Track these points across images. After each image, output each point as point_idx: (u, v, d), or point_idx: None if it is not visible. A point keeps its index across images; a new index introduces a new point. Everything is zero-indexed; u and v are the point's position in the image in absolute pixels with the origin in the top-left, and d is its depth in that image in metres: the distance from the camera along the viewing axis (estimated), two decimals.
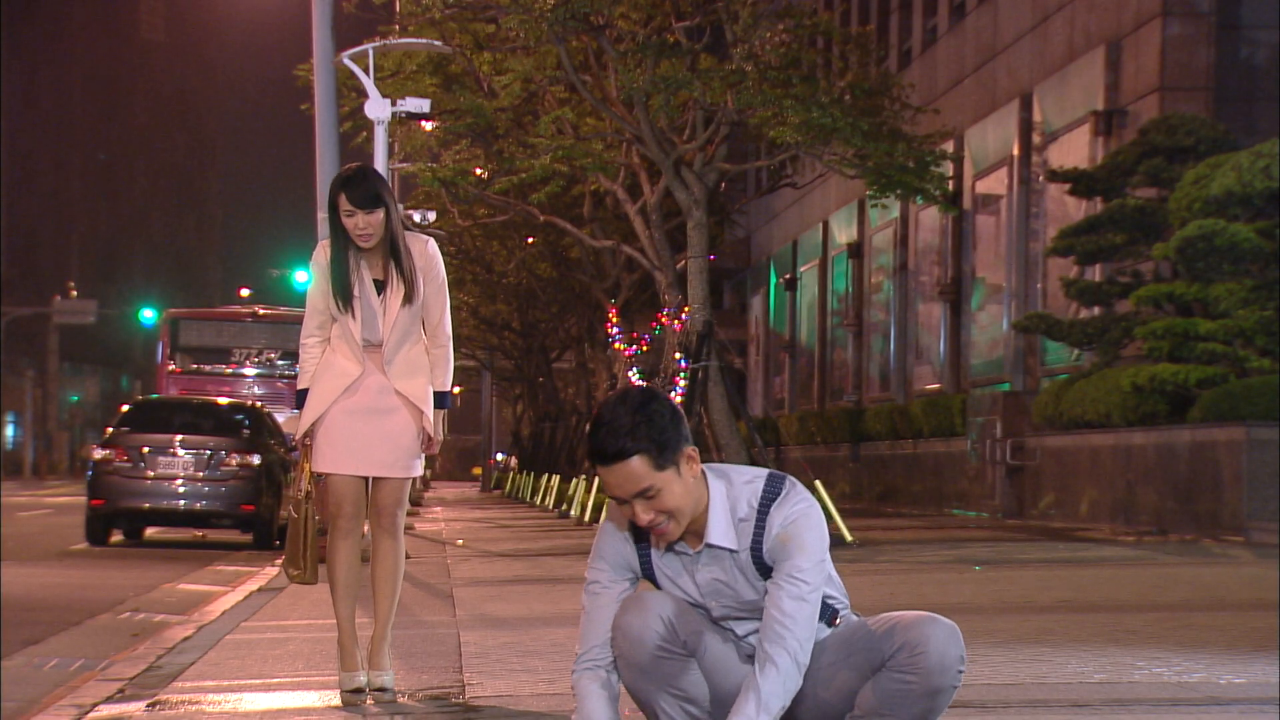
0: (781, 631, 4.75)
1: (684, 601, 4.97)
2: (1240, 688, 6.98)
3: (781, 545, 4.81)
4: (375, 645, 7.09)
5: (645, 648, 4.91)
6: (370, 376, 7.09)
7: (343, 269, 7.02)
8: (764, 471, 4.92)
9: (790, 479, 4.91)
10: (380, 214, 6.93)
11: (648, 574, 4.97)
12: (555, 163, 22.38)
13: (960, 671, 4.82)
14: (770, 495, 4.85)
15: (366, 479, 7.18)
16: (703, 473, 4.83)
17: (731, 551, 4.86)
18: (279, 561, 16.27)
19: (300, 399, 7.15)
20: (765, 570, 4.87)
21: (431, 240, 7.20)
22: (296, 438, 7.19)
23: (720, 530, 4.83)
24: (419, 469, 7.23)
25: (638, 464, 4.70)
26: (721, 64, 22.21)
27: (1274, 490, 19.03)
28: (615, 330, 26.56)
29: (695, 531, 4.86)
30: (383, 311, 7.03)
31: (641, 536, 4.94)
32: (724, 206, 33.80)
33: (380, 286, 7.05)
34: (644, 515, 4.75)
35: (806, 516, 4.83)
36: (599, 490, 25.84)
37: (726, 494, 4.85)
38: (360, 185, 6.94)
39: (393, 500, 7.17)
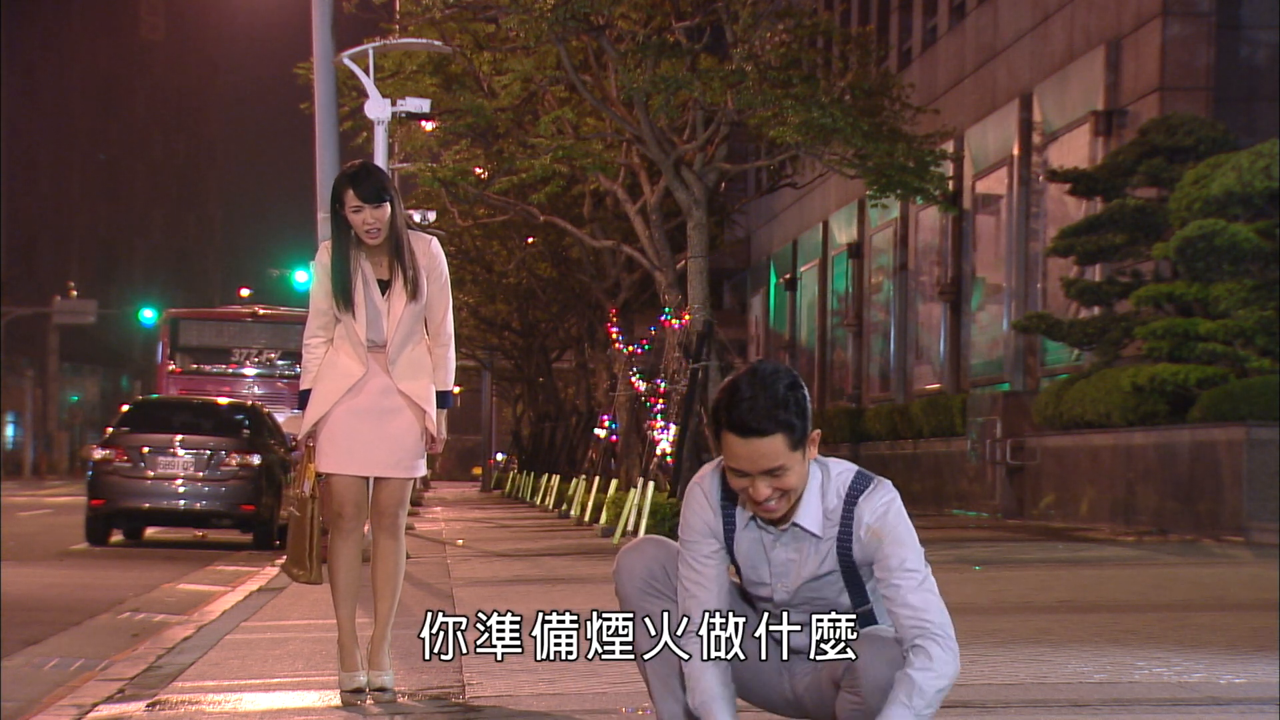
0: (923, 624, 4.78)
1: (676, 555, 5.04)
2: (1240, 688, 6.98)
3: (877, 541, 4.86)
4: (375, 645, 7.09)
5: (633, 581, 5.07)
6: (374, 378, 7.08)
7: (344, 268, 7.02)
8: (853, 465, 4.98)
9: (878, 476, 4.96)
10: (386, 209, 6.95)
11: (728, 543, 5.00)
12: (555, 163, 22.37)
13: None
14: (858, 488, 4.90)
15: (368, 479, 7.17)
16: None
17: (814, 537, 4.91)
18: (279, 561, 16.27)
19: (303, 399, 7.14)
20: (848, 564, 4.90)
21: (435, 239, 7.21)
22: (299, 438, 7.19)
23: (811, 515, 4.89)
24: (422, 469, 7.23)
25: (777, 442, 4.75)
26: (721, 64, 22.20)
27: (1274, 490, 19.03)
28: (616, 331, 26.57)
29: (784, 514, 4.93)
30: (387, 311, 7.03)
31: (727, 509, 4.97)
32: (724, 206, 33.77)
33: (384, 286, 7.05)
34: (764, 490, 4.79)
35: (896, 509, 4.89)
36: (599, 490, 25.83)
37: (822, 482, 4.91)
38: (368, 180, 6.95)
39: (394, 501, 7.17)
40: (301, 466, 7.24)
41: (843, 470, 4.93)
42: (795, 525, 4.90)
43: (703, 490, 5.02)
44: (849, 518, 4.87)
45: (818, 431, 4.85)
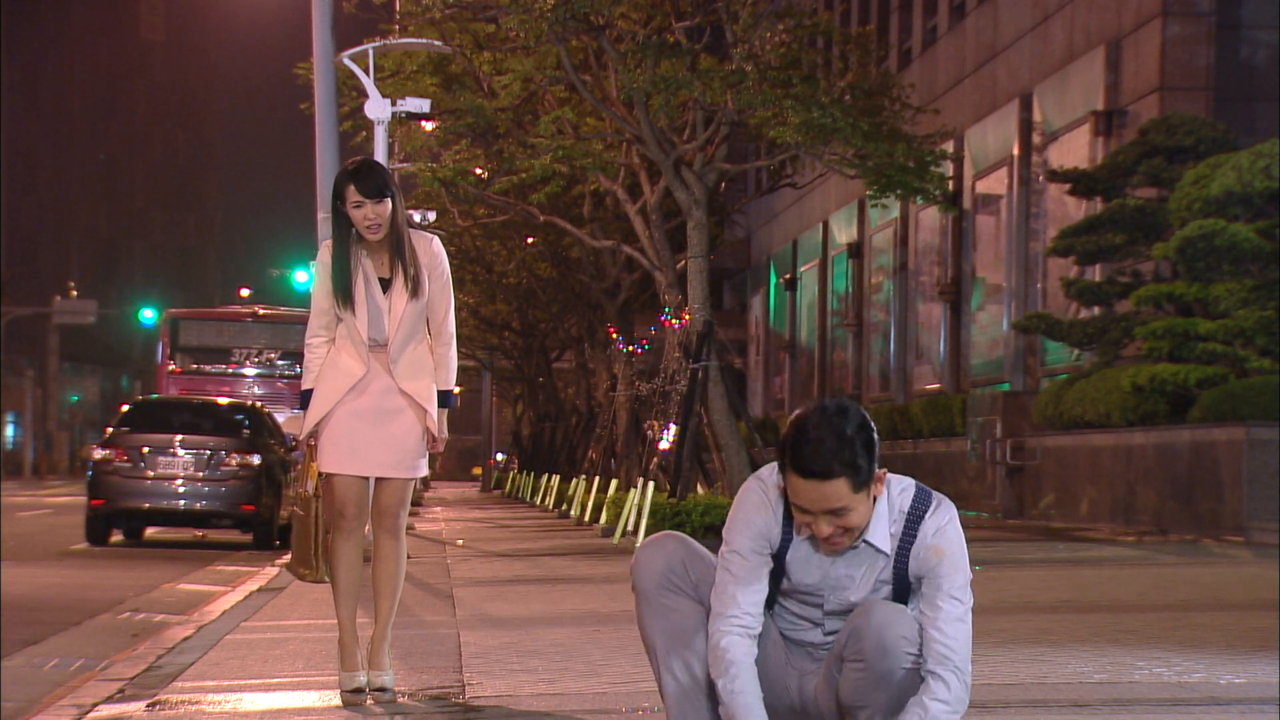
0: (948, 654, 4.83)
1: (700, 553, 5.06)
2: (1240, 688, 6.98)
3: (935, 559, 4.90)
4: (375, 645, 7.09)
5: (651, 576, 5.06)
6: (376, 378, 7.07)
7: (345, 265, 7.02)
8: (910, 480, 4.99)
9: (935, 492, 5.00)
10: (388, 204, 6.95)
11: (781, 552, 5.00)
12: (555, 163, 22.35)
13: (909, 653, 4.83)
14: (921, 505, 4.94)
15: (370, 479, 7.17)
16: None
17: (883, 555, 4.94)
18: (279, 561, 16.27)
19: (305, 399, 7.13)
20: (901, 577, 4.94)
21: (436, 238, 7.21)
22: (301, 438, 7.19)
23: (881, 534, 4.92)
24: (423, 470, 7.22)
25: (840, 485, 4.76)
26: (721, 64, 22.18)
27: (1274, 490, 19.03)
28: (615, 334, 26.57)
29: None
30: (388, 309, 7.03)
31: (788, 519, 4.97)
32: (724, 206, 33.74)
33: (386, 285, 7.05)
34: (826, 529, 4.82)
35: (956, 528, 4.94)
36: (599, 490, 25.82)
37: (887, 500, 4.93)
38: (369, 176, 6.95)
39: (395, 501, 7.16)
40: (304, 466, 7.23)
41: (905, 487, 4.96)
42: (865, 543, 4.93)
43: (767, 497, 5.00)
44: (910, 535, 4.92)
45: (883, 470, 4.86)
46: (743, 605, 4.93)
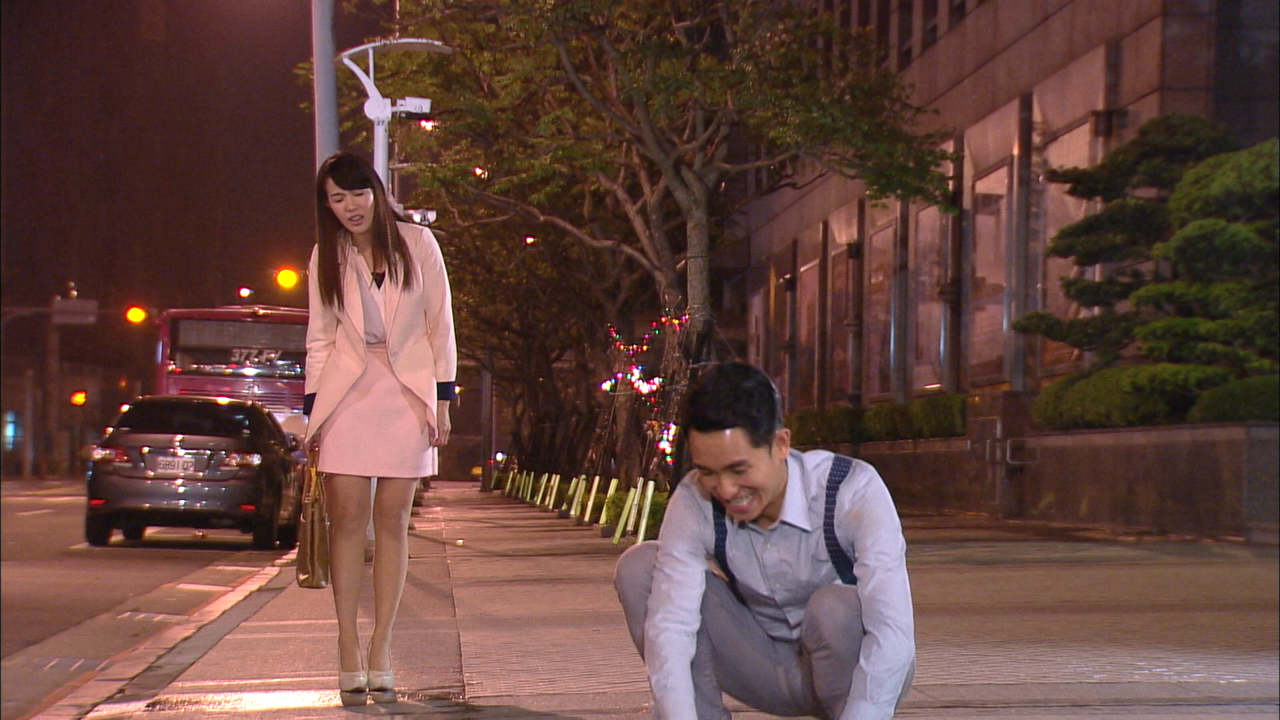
0: (880, 610, 4.82)
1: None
2: (1240, 688, 6.98)
3: (856, 522, 4.90)
4: (376, 645, 7.09)
5: (634, 587, 5.09)
6: (379, 379, 7.06)
7: (332, 263, 7.00)
8: (830, 454, 5.01)
9: (855, 460, 4.99)
10: (368, 195, 6.93)
11: (719, 553, 5.02)
12: (555, 163, 22.37)
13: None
14: (838, 475, 4.94)
15: (372, 480, 7.16)
16: None
17: (803, 532, 4.93)
18: (279, 561, 16.29)
19: (309, 404, 7.12)
20: (836, 550, 4.94)
21: (426, 230, 7.20)
22: (305, 441, 7.17)
23: (796, 510, 4.92)
24: (427, 469, 7.20)
25: (735, 436, 4.76)
26: (721, 64, 22.20)
27: (1274, 490, 19.03)
28: (616, 333, 26.58)
29: (768, 514, 4.93)
30: (383, 303, 7.03)
31: (718, 516, 4.99)
32: (724, 206, 33.75)
33: (379, 280, 7.04)
34: (729, 488, 4.81)
35: (875, 491, 4.93)
36: (599, 490, 25.83)
37: (801, 477, 4.93)
38: (346, 168, 6.95)
39: (397, 501, 7.16)
40: (305, 471, 7.24)
41: (820, 461, 4.97)
42: (784, 523, 4.93)
43: (695, 499, 5.03)
44: (831, 504, 4.92)
45: (786, 430, 4.86)
46: (677, 603, 4.96)
